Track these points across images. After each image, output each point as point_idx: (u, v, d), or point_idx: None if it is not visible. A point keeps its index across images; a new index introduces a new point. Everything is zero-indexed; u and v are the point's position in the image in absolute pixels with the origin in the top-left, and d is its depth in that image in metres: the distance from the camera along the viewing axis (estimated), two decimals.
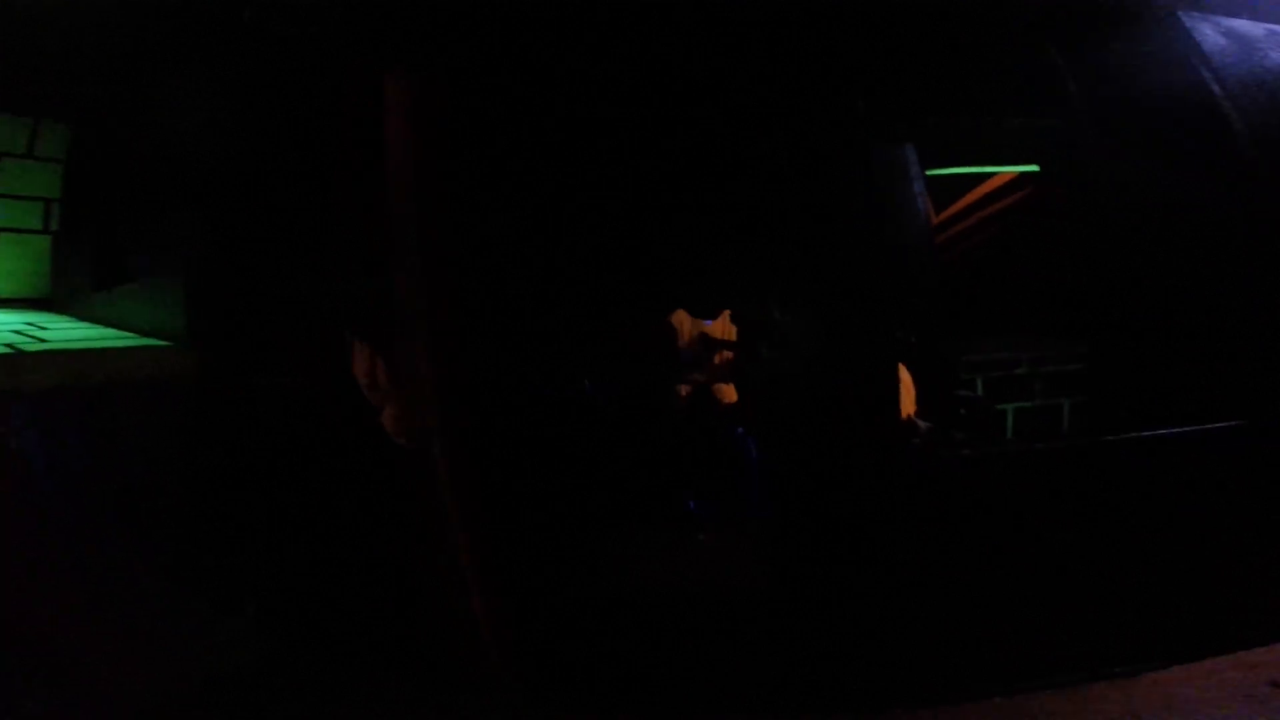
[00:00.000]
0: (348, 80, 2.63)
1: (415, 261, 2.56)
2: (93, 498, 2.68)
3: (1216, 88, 2.94)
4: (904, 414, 3.04)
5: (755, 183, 2.84)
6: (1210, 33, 3.01)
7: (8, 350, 2.87)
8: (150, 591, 2.64)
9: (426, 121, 2.57)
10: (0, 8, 3.01)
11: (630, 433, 3.21)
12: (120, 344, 3.14)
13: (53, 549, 2.56)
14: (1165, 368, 3.00)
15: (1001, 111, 3.12)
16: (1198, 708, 2.40)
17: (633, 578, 2.71)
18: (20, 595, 2.44)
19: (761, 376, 2.97)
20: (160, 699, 2.39)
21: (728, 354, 3.64)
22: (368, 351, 2.75)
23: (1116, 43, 2.98)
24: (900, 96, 2.88)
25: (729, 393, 3.62)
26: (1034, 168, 4.06)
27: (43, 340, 3.13)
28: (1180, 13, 3.02)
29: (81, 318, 3.84)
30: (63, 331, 3.43)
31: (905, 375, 3.12)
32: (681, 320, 3.69)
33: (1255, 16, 3.11)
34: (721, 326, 3.73)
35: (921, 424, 3.14)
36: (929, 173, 3.84)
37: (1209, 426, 2.80)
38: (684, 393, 3.57)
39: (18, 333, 3.30)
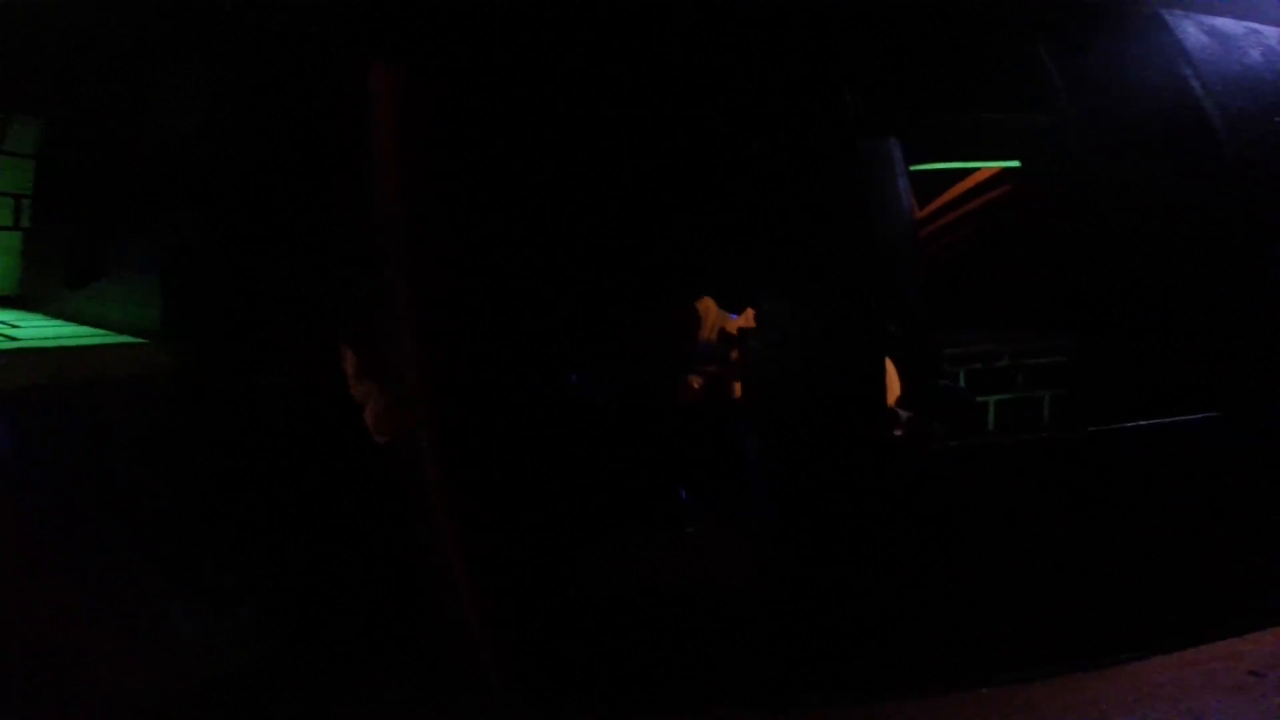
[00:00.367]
0: (335, 74, 2.59)
1: (402, 257, 2.53)
2: (79, 496, 2.64)
3: (1197, 85, 2.99)
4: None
5: (746, 175, 2.84)
6: (1193, 30, 3.05)
7: None
8: (150, 591, 2.60)
9: (412, 113, 2.54)
10: None
11: (629, 431, 3.19)
12: (96, 341, 3.07)
13: (44, 548, 2.52)
14: (1144, 361, 3.04)
15: (988, 107, 3.16)
16: (1178, 696, 2.43)
17: (631, 577, 2.70)
18: (18, 595, 2.41)
19: (752, 369, 2.97)
20: (160, 699, 2.36)
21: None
22: (354, 348, 2.72)
23: (1101, 39, 3.01)
24: (890, 92, 2.90)
25: (740, 388, 3.56)
26: (1015, 163, 4.10)
27: (14, 339, 3.06)
28: (1163, 11, 3.05)
29: (54, 315, 3.76)
30: (35, 329, 3.35)
31: (889, 366, 3.14)
32: (708, 308, 3.59)
33: (1235, 15, 3.16)
34: (745, 321, 3.67)
35: (903, 414, 3.16)
36: (912, 168, 3.86)
37: (1186, 418, 2.85)
38: (697, 384, 3.53)
39: None
